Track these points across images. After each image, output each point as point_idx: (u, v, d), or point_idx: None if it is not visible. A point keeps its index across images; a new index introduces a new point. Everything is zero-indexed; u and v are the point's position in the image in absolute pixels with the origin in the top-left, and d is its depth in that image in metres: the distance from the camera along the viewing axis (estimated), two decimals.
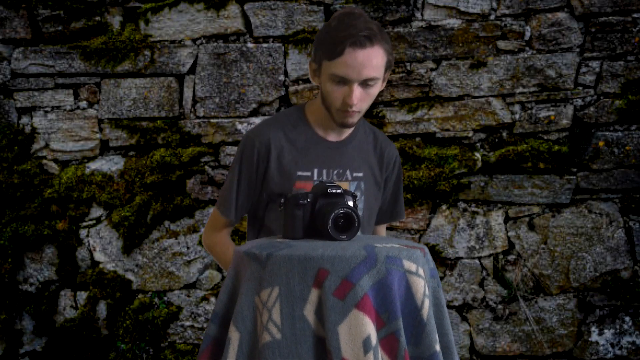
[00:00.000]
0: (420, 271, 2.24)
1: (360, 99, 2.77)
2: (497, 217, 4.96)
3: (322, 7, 5.02)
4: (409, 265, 2.22)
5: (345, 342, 2.12)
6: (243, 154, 2.92)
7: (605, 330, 4.93)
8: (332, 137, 2.97)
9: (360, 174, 2.99)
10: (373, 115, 4.96)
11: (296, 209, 2.41)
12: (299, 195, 2.43)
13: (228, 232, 3.05)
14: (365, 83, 2.74)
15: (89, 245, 5.10)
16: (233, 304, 2.32)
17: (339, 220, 2.34)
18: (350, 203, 2.41)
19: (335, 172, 2.93)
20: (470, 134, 4.96)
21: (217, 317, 2.35)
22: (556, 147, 4.88)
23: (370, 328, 2.13)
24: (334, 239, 2.33)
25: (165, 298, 5.08)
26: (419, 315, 2.21)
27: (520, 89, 4.93)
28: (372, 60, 2.72)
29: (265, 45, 5.01)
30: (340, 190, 2.42)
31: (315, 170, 2.91)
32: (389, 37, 2.82)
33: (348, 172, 2.96)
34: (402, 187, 3.21)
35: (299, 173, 2.89)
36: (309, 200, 2.41)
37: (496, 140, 4.97)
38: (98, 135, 5.12)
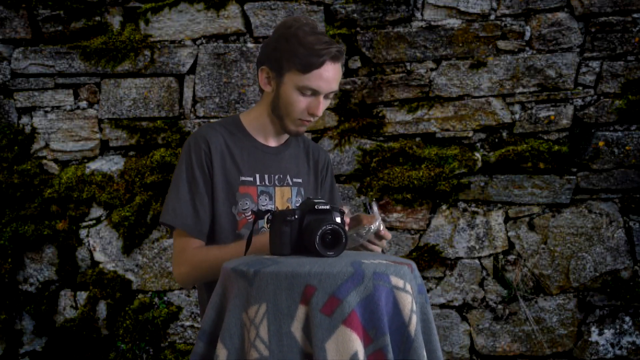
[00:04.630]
0: (408, 287, 2.23)
1: (322, 110, 2.88)
2: (497, 217, 4.95)
3: (322, 7, 5.01)
4: (396, 281, 2.22)
5: (333, 359, 2.12)
6: (191, 157, 2.91)
7: (605, 330, 4.92)
8: (271, 144, 3.05)
9: (300, 180, 3.06)
10: (373, 115, 4.96)
11: (284, 225, 2.41)
12: (287, 211, 2.43)
13: None
14: (327, 95, 2.85)
15: (89, 245, 5.10)
16: (220, 321, 2.32)
17: (327, 236, 2.34)
18: (338, 219, 2.41)
19: (276, 177, 3.00)
20: (470, 134, 4.95)
21: (205, 334, 2.35)
22: (556, 147, 4.87)
23: (357, 344, 2.13)
24: (321, 255, 2.33)
25: (165, 298, 5.08)
26: (407, 331, 2.21)
27: (520, 89, 4.92)
28: (339, 74, 2.85)
29: None
30: (327, 207, 2.42)
31: (257, 176, 2.97)
32: None
33: (288, 177, 3.03)
34: (337, 191, 3.31)
35: (242, 178, 2.93)
36: (296, 216, 2.41)
37: (496, 140, 4.96)
38: (98, 135, 5.13)
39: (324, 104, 2.85)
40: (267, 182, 2.96)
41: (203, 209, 2.88)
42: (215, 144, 2.92)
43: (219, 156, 2.91)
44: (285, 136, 3.07)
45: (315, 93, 2.81)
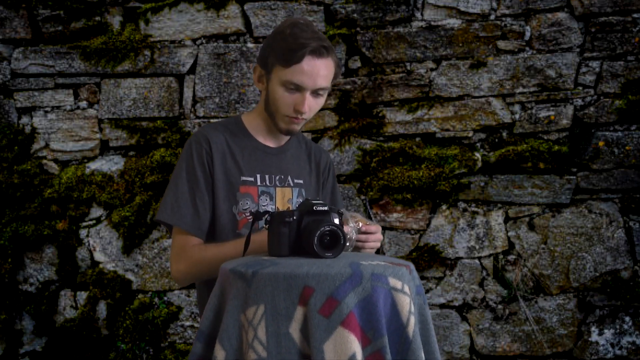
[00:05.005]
0: (406, 288, 2.23)
1: (310, 107, 2.85)
2: (497, 217, 4.95)
3: (322, 7, 5.01)
4: (395, 282, 2.21)
5: None
6: (192, 155, 2.92)
7: (605, 330, 4.92)
8: (271, 144, 3.05)
9: (301, 181, 3.07)
10: (373, 115, 4.96)
11: (282, 226, 2.41)
12: (285, 213, 2.43)
13: None
14: (316, 92, 2.83)
15: (89, 245, 5.10)
16: (219, 322, 2.32)
17: (325, 237, 2.34)
18: (336, 221, 2.41)
19: (277, 177, 3.00)
20: (470, 134, 4.95)
21: (203, 335, 2.35)
22: (556, 147, 4.87)
23: (355, 345, 2.12)
24: (319, 256, 2.33)
25: (165, 298, 5.08)
26: (405, 332, 2.21)
27: (520, 89, 4.92)
28: (326, 71, 2.81)
29: None
30: (326, 208, 2.42)
31: (258, 176, 2.97)
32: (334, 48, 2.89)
33: (289, 178, 3.04)
34: (338, 192, 3.31)
35: (243, 178, 2.94)
36: (294, 217, 2.41)
37: (496, 140, 4.96)
38: (98, 135, 5.13)
39: (311, 101, 2.84)
40: (267, 183, 2.97)
41: (203, 206, 2.87)
42: (217, 143, 2.92)
43: (220, 156, 2.92)
44: (286, 137, 3.07)
45: (298, 88, 2.80)
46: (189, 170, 2.90)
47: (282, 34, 2.80)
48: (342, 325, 2.13)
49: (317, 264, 2.23)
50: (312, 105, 2.85)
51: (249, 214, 2.90)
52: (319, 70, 2.78)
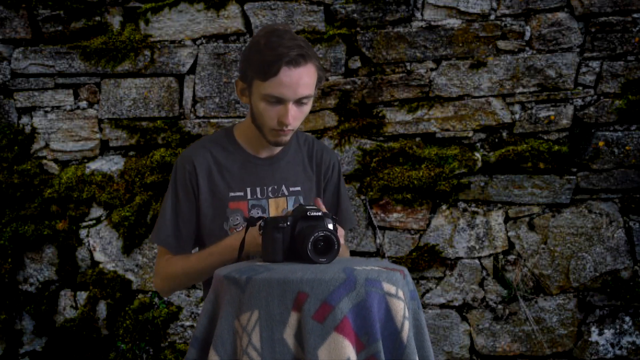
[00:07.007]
0: (400, 293, 2.23)
1: (295, 118, 2.79)
2: (497, 217, 4.95)
3: (322, 7, 5.01)
4: (389, 287, 2.21)
5: None
6: (176, 178, 2.95)
7: (605, 330, 4.92)
8: (264, 154, 3.00)
9: (298, 188, 3.01)
10: (373, 115, 4.96)
11: (276, 232, 2.41)
12: (279, 218, 2.43)
13: None
14: (299, 101, 2.76)
15: (89, 245, 5.11)
16: (213, 327, 2.32)
17: (319, 243, 2.34)
18: (330, 226, 2.41)
19: (269, 188, 2.96)
20: (470, 134, 4.95)
21: (197, 341, 2.35)
22: (556, 147, 4.87)
23: (350, 351, 2.12)
24: (313, 262, 2.33)
25: (165, 298, 5.08)
26: (399, 337, 2.21)
27: (520, 89, 4.91)
28: (306, 79, 2.73)
29: None
30: (319, 214, 2.42)
31: (248, 190, 2.95)
32: (316, 52, 2.84)
33: (284, 187, 2.98)
34: (345, 193, 3.23)
35: (232, 194, 2.92)
36: (288, 223, 2.41)
37: (496, 140, 4.96)
38: (98, 135, 5.13)
39: (295, 111, 2.77)
40: (259, 195, 2.94)
41: (185, 227, 2.94)
42: (202, 163, 2.92)
43: (206, 175, 2.91)
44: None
45: (280, 101, 2.73)
46: (174, 192, 2.95)
47: (257, 45, 2.73)
48: (336, 331, 2.13)
49: (311, 270, 2.23)
50: (296, 115, 2.78)
51: (240, 229, 2.89)
52: (299, 80, 2.70)
